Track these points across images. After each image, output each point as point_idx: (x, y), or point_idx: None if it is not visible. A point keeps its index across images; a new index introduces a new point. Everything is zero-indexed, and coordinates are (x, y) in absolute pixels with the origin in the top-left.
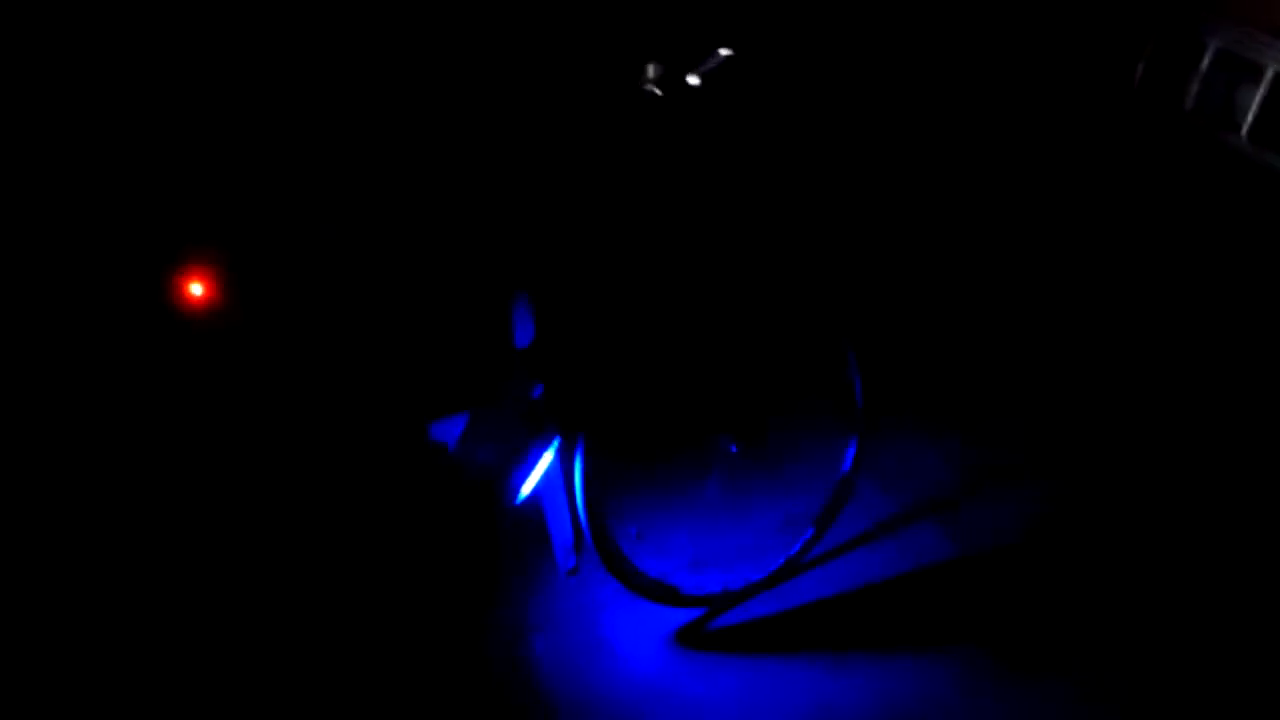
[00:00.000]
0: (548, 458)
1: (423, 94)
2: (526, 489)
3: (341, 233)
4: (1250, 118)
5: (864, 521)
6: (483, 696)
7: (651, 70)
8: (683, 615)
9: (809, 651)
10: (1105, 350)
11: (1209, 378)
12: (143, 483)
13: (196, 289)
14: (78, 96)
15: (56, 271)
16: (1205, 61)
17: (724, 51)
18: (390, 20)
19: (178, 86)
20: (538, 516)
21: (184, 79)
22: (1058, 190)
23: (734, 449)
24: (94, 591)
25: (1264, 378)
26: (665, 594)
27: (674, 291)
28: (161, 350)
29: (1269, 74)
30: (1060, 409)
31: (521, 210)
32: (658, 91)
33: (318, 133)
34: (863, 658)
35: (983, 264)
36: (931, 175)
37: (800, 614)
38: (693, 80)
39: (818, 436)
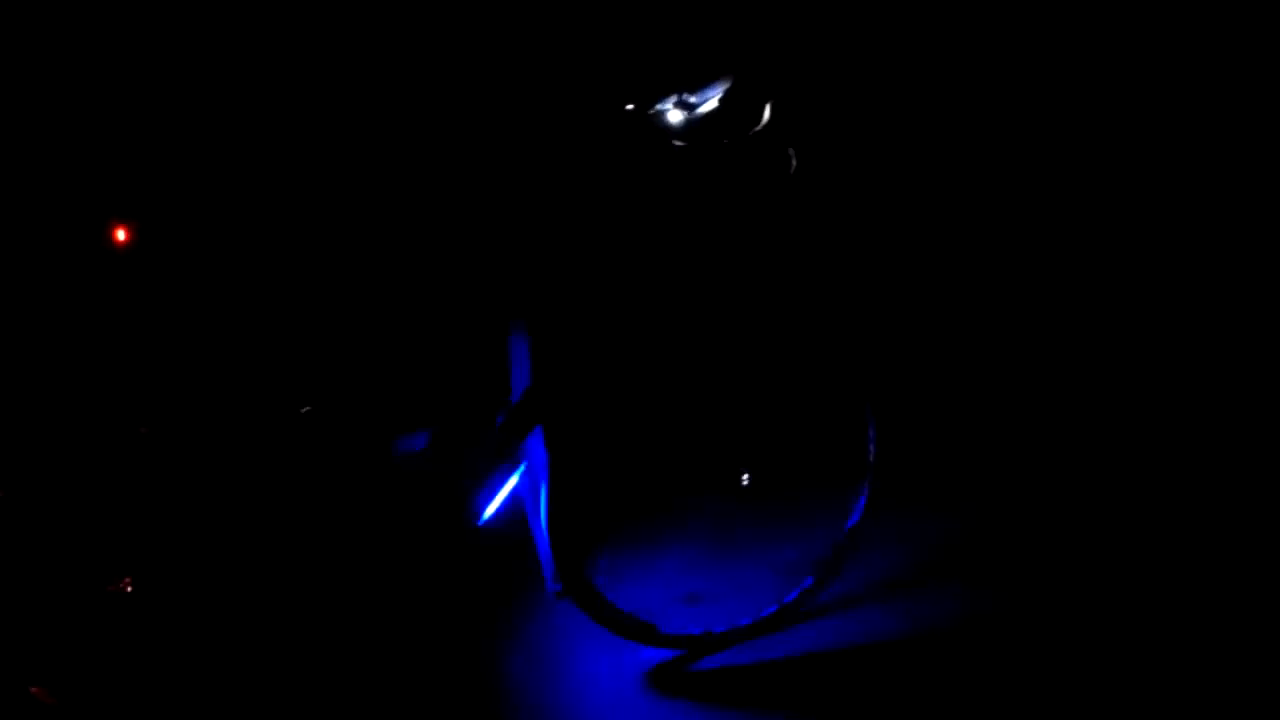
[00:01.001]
0: (513, 482)
1: (431, 106)
2: (489, 510)
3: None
4: None
5: (872, 578)
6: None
7: (655, 102)
8: (662, 653)
9: (786, 711)
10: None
11: None
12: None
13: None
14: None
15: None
16: None
17: (724, 82)
18: (390, 42)
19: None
20: (514, 536)
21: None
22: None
23: (733, 488)
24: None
25: None
26: (640, 632)
27: (678, 326)
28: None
29: None
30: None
31: (527, 238)
32: (668, 120)
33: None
34: None
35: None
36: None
37: (785, 667)
38: (699, 109)
39: (825, 485)
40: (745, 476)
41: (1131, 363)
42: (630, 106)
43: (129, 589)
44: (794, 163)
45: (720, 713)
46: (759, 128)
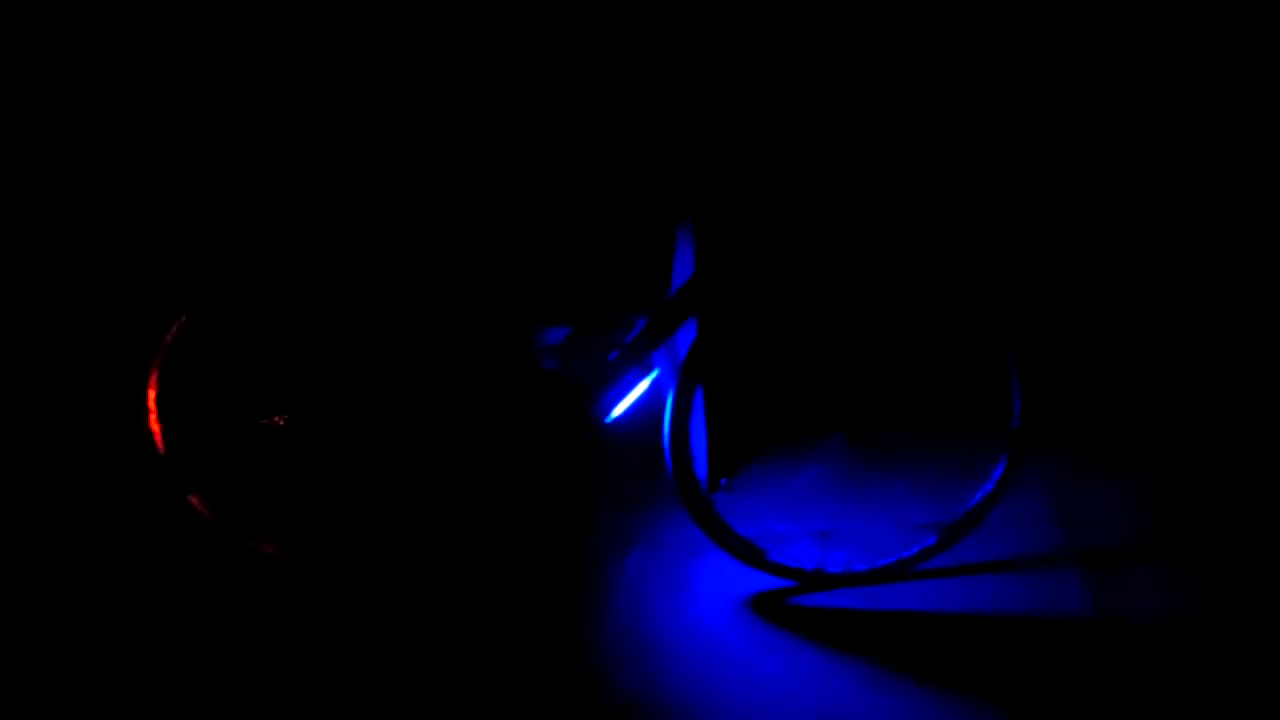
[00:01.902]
0: (643, 386)
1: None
2: (619, 409)
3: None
4: None
5: (1007, 549)
6: (545, 602)
7: None
8: (771, 581)
9: (876, 663)
10: None
11: None
12: None
13: None
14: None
15: None
16: None
17: None
18: None
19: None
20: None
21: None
22: None
23: (872, 437)
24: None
25: None
26: (750, 554)
27: (833, 265)
28: None
29: None
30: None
31: (706, 156)
32: None
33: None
34: (925, 692)
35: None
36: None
37: (886, 621)
38: None
39: (964, 447)
40: (880, 427)
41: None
42: None
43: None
44: None
45: (808, 648)
46: None
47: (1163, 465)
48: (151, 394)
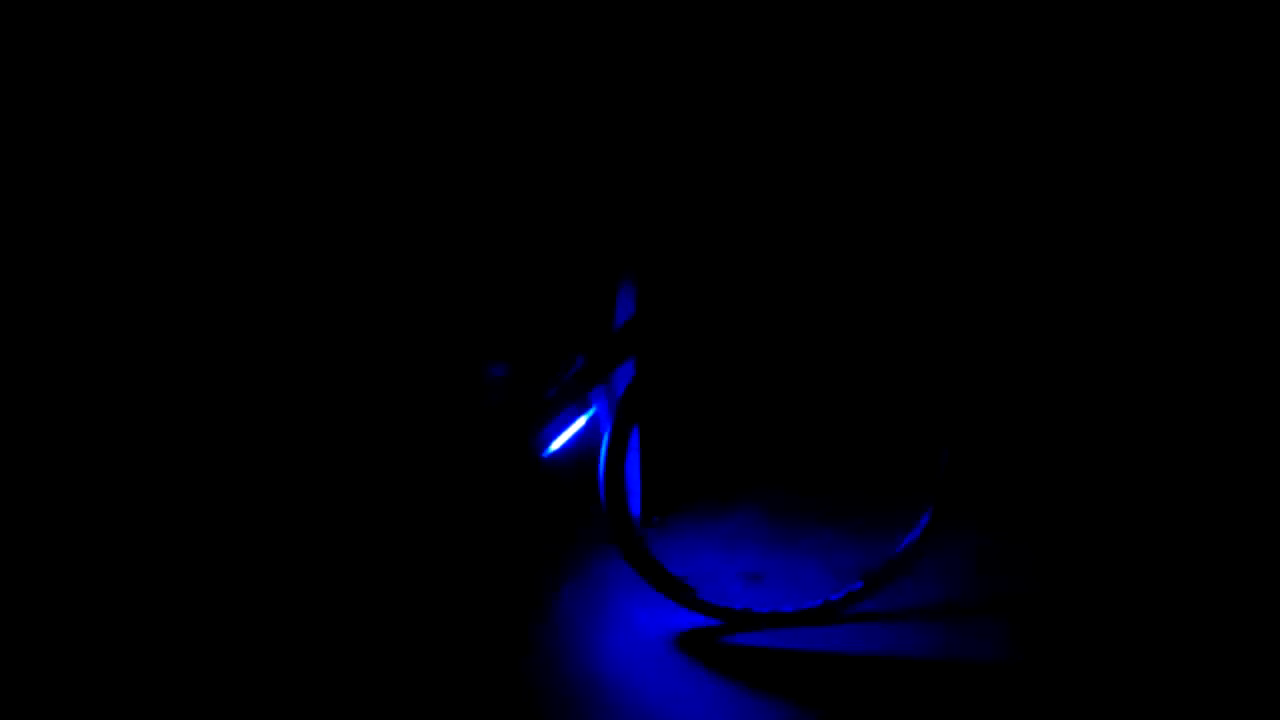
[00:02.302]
0: (580, 423)
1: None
2: (556, 445)
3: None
4: None
5: (929, 597)
6: (473, 630)
7: None
8: (700, 620)
9: (799, 704)
10: None
11: None
12: None
13: None
14: None
15: None
16: None
17: None
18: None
19: None
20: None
21: None
22: None
23: (801, 481)
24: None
25: None
26: (680, 592)
27: (772, 315)
28: None
29: None
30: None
31: (648, 208)
32: None
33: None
34: None
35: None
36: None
37: (814, 662)
38: None
39: (891, 497)
40: (810, 469)
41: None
42: None
43: None
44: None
45: (733, 686)
46: None
47: (1077, 521)
48: None
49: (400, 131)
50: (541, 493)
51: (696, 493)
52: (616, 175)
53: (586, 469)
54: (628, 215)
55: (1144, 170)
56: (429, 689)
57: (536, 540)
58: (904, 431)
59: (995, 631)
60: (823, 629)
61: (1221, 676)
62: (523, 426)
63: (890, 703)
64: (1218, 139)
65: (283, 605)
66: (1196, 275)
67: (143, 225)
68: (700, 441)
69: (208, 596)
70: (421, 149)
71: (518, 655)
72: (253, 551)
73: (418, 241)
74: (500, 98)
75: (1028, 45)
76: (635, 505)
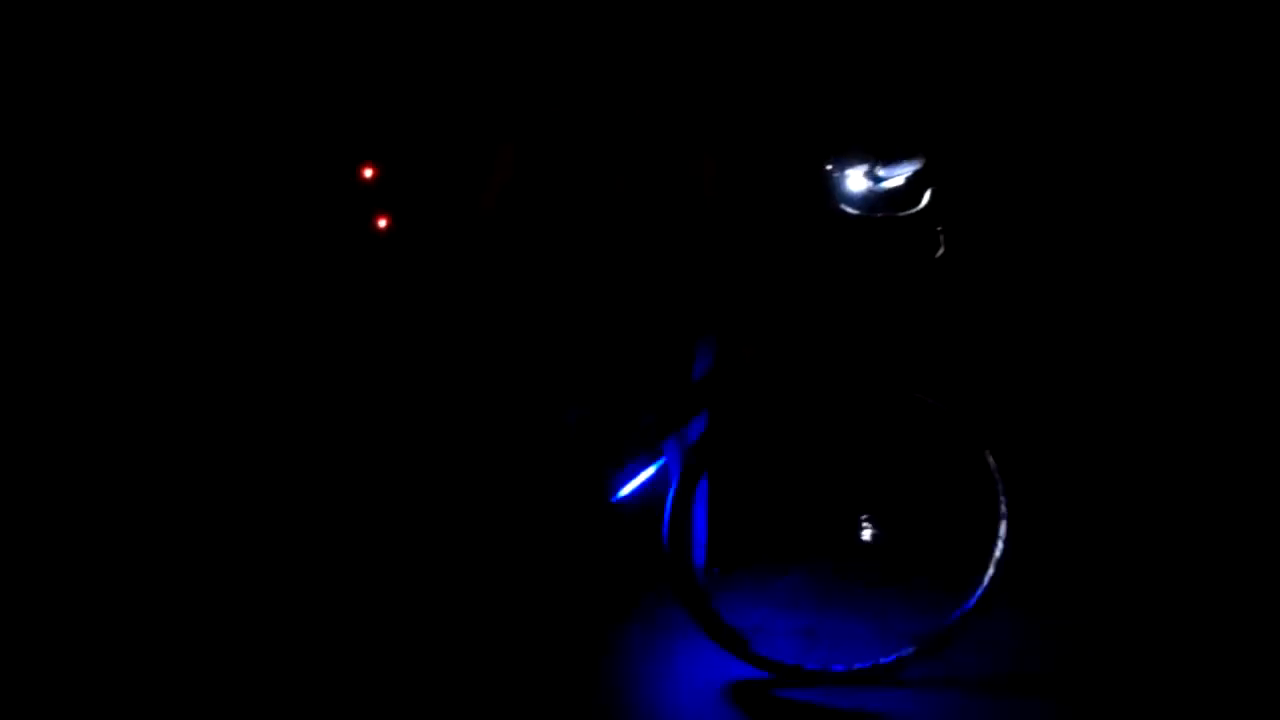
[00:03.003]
0: (650, 470)
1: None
2: (627, 490)
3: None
4: None
5: (978, 667)
6: (536, 666)
7: (843, 168)
8: (753, 671)
9: None
10: None
11: None
12: None
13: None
14: None
15: None
16: None
17: (914, 162)
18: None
19: None
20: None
21: None
22: None
23: (861, 543)
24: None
25: None
26: (732, 642)
27: (844, 378)
28: None
29: None
30: None
31: (728, 271)
32: (850, 188)
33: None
34: None
35: None
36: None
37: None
38: (884, 183)
39: (948, 565)
40: (872, 534)
41: None
42: (829, 168)
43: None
44: (942, 243)
45: None
46: (917, 209)
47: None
48: None
49: (487, 189)
50: (610, 535)
51: (758, 546)
52: (701, 240)
53: (653, 515)
54: (712, 275)
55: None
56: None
57: (603, 581)
58: (965, 498)
59: (1043, 711)
60: (871, 690)
61: None
62: (596, 470)
63: None
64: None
65: (357, 632)
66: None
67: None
68: (765, 496)
69: (304, 621)
70: (507, 205)
71: (577, 693)
72: (346, 574)
73: (513, 291)
74: (589, 160)
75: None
76: (698, 555)
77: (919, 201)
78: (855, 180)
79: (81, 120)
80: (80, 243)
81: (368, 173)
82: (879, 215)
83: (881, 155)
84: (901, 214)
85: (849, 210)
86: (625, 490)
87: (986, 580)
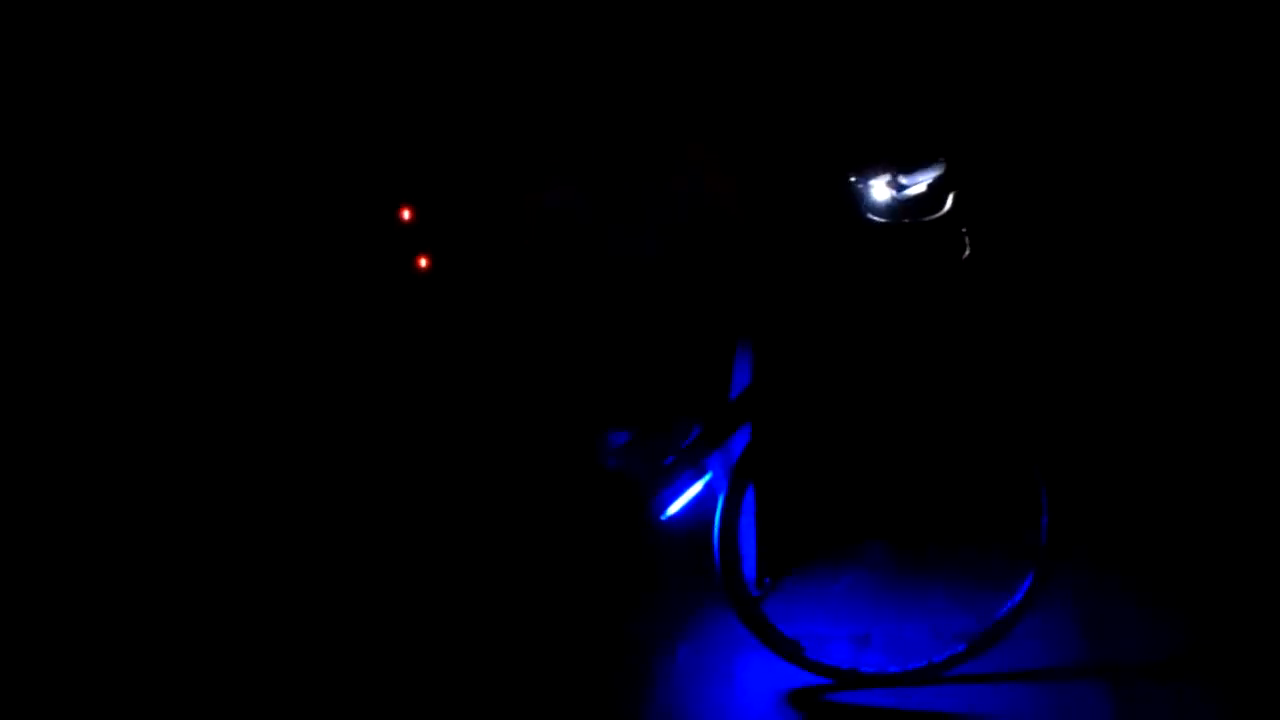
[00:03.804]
0: (696, 488)
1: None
2: (674, 509)
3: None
4: None
5: (1034, 659)
6: (596, 687)
7: (867, 178)
8: (809, 678)
9: None
10: None
11: None
12: None
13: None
14: None
15: None
16: None
17: (935, 167)
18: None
19: None
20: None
21: None
22: None
23: (909, 544)
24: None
25: None
26: (789, 650)
27: (881, 385)
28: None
29: None
30: None
31: (762, 281)
32: (875, 196)
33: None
34: None
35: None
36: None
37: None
38: (907, 190)
39: (993, 560)
40: (915, 533)
41: None
42: (853, 179)
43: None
44: (968, 246)
45: None
46: (941, 213)
47: (1192, 581)
48: None
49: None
50: (658, 555)
51: (807, 555)
52: (736, 254)
53: (704, 532)
54: (745, 291)
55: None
56: None
57: (655, 601)
58: (1006, 494)
59: (1095, 699)
60: (926, 689)
61: None
62: (642, 491)
63: None
64: None
65: (409, 656)
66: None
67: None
68: (811, 505)
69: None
70: (544, 223)
71: (638, 710)
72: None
73: (552, 315)
74: (620, 184)
75: None
76: (749, 566)
77: (943, 206)
78: (879, 189)
79: (154, 173)
80: (147, 280)
81: (406, 214)
82: (905, 221)
83: (903, 163)
84: (927, 219)
85: (875, 219)
86: (673, 509)
87: (1031, 576)
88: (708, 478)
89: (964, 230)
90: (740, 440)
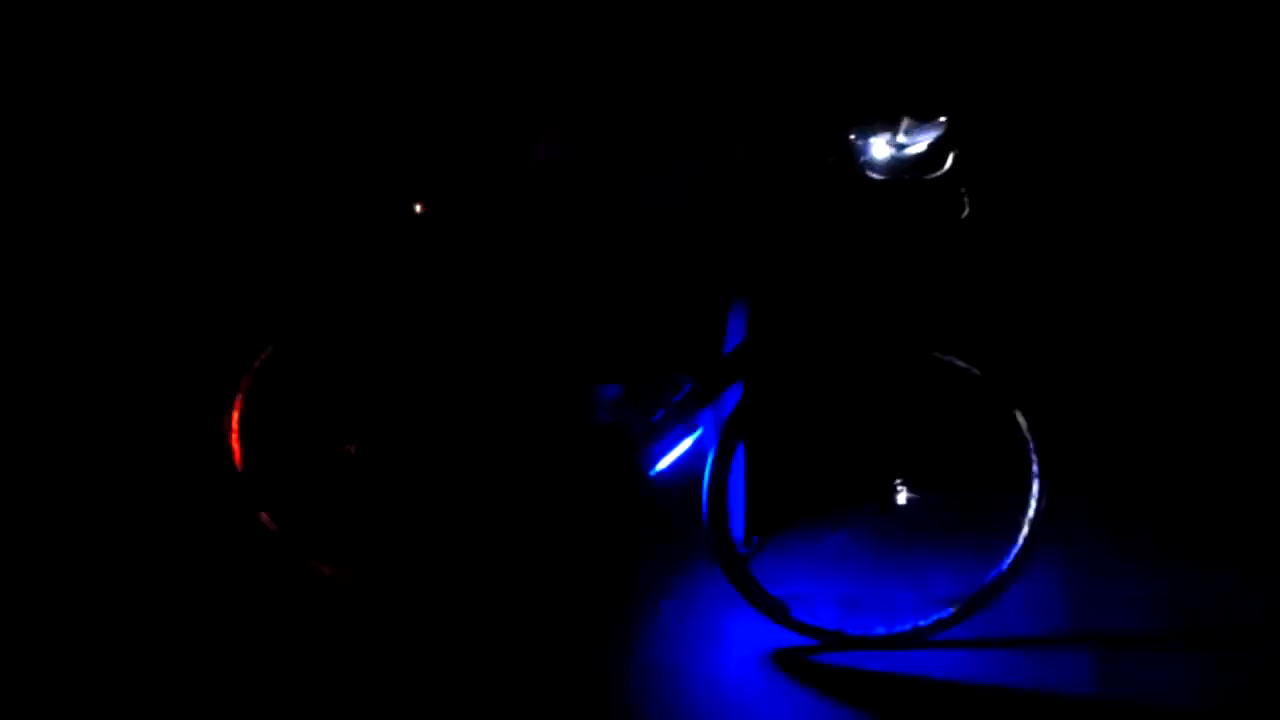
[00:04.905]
0: (687, 444)
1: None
2: (663, 464)
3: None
4: None
5: (1017, 624)
6: (578, 640)
7: (867, 135)
8: (795, 638)
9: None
10: None
11: None
12: None
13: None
14: None
15: None
16: None
17: (936, 126)
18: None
19: None
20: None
21: None
22: None
23: (897, 507)
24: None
25: None
26: (775, 609)
27: (869, 347)
28: None
29: None
30: None
31: (757, 238)
32: (874, 154)
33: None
34: None
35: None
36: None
37: (900, 685)
38: (907, 149)
39: (982, 525)
40: (900, 496)
41: None
42: (852, 136)
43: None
44: (966, 205)
45: (821, 701)
46: (941, 172)
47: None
48: (235, 415)
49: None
50: (647, 510)
51: (796, 514)
52: (727, 208)
53: (691, 488)
54: (740, 245)
55: None
56: (528, 698)
57: (642, 555)
58: (997, 459)
59: (1080, 664)
60: (912, 653)
61: None
62: (631, 445)
63: None
64: None
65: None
66: None
67: None
68: (801, 464)
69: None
70: (528, 179)
71: (620, 664)
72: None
73: (538, 268)
74: (619, 141)
75: None
76: (737, 524)
77: (943, 164)
78: (879, 147)
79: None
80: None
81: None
82: (905, 179)
83: (903, 120)
84: (926, 177)
85: (875, 176)
86: (663, 464)
87: (1021, 540)
88: (698, 434)
89: (963, 190)
90: (732, 397)
